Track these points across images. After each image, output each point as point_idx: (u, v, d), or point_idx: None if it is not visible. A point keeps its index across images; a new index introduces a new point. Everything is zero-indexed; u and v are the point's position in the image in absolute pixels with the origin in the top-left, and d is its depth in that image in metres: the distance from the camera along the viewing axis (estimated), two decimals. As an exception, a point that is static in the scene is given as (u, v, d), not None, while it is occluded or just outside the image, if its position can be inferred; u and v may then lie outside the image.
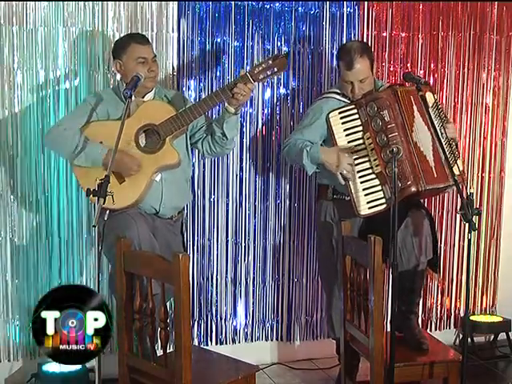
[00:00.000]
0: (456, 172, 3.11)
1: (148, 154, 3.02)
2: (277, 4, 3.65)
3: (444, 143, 3.09)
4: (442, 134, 3.10)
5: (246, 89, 2.99)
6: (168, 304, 2.75)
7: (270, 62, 3.04)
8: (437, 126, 3.10)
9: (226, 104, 3.08)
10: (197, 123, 3.23)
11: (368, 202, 3.13)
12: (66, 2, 3.37)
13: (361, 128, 3.19)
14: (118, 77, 3.24)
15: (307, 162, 3.21)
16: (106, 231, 2.56)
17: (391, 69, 3.85)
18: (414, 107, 3.16)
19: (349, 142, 3.19)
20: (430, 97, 3.20)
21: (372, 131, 3.16)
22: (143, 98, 3.12)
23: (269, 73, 3.04)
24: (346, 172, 3.14)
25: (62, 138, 3.01)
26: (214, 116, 3.55)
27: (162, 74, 3.49)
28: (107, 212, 2.59)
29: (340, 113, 3.22)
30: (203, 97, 3.50)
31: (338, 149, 3.19)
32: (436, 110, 3.16)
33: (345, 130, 3.21)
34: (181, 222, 3.31)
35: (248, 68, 3.42)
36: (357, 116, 3.20)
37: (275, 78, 3.44)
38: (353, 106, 3.22)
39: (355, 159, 3.16)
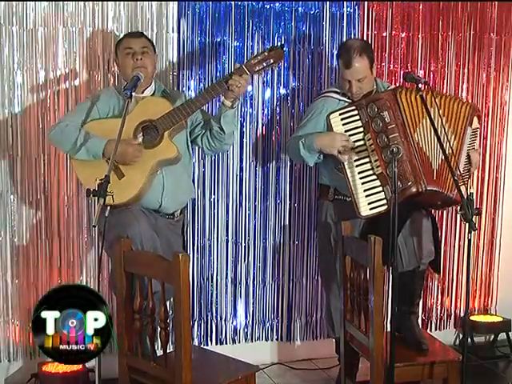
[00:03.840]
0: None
1: (146, 149, 3.02)
2: (277, 4, 3.65)
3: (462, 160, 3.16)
4: (466, 152, 3.21)
5: (242, 80, 3.01)
6: (168, 304, 2.75)
7: (266, 53, 3.06)
8: (466, 144, 3.19)
9: (223, 98, 3.10)
10: (196, 119, 3.24)
11: (369, 203, 3.12)
12: (65, 2, 3.37)
13: (362, 129, 3.18)
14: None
15: (305, 152, 3.22)
16: (106, 228, 2.56)
17: (391, 69, 3.85)
18: (424, 109, 3.13)
19: None
20: (475, 122, 3.27)
21: (373, 132, 3.15)
22: (142, 93, 3.14)
23: (265, 64, 3.06)
24: (343, 150, 3.13)
25: (63, 134, 3.03)
26: (212, 112, 3.56)
27: (162, 74, 3.49)
28: (108, 208, 2.59)
29: (341, 114, 3.22)
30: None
31: (331, 132, 3.19)
32: (473, 134, 3.26)
33: (346, 131, 3.20)
34: (182, 223, 3.31)
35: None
36: (357, 117, 3.20)
37: (271, 70, 3.44)
38: (353, 107, 3.21)
39: (356, 160, 3.16)
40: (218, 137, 3.18)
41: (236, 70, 3.04)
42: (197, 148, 3.46)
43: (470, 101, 3.86)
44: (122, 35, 3.31)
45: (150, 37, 3.35)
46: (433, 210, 3.40)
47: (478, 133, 3.40)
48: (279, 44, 3.61)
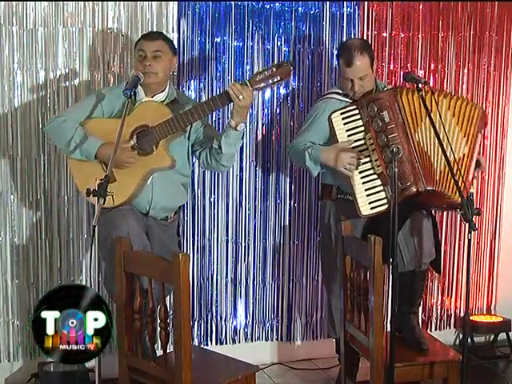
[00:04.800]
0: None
1: (141, 155, 3.01)
2: (277, 4, 3.65)
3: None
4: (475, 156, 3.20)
5: (244, 92, 2.90)
6: (168, 304, 2.75)
7: (274, 69, 2.95)
8: (476, 150, 3.19)
9: (230, 119, 3.02)
10: (200, 134, 3.21)
11: (370, 203, 3.13)
12: (65, 2, 3.37)
13: (362, 128, 3.19)
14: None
15: (310, 163, 3.22)
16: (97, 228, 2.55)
17: (391, 69, 3.85)
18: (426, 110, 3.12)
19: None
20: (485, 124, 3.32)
21: (373, 131, 3.16)
22: (153, 97, 3.12)
23: (270, 81, 2.95)
24: (349, 166, 3.13)
25: (60, 129, 3.03)
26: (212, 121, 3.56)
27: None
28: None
29: (342, 113, 3.22)
30: (203, 97, 3.52)
31: (337, 146, 3.18)
32: (481, 139, 3.27)
33: (347, 131, 3.20)
34: (177, 223, 3.30)
35: (250, 74, 3.42)
36: (358, 116, 3.20)
37: (277, 86, 3.41)
38: (354, 107, 3.22)
39: (359, 152, 3.16)
40: (215, 155, 3.09)
41: (239, 84, 2.94)
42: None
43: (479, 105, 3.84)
44: (122, 34, 3.33)
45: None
46: (433, 210, 3.40)
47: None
48: (288, 60, 3.58)
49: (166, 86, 3.16)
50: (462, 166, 3.12)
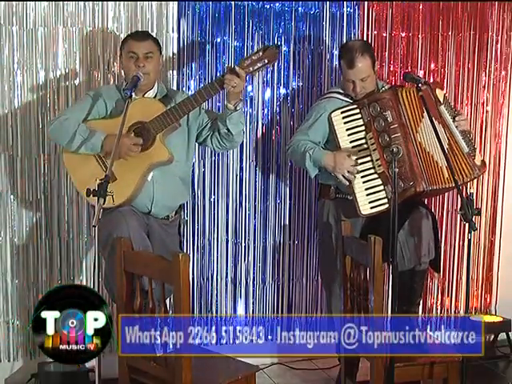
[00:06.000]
0: (478, 163, 3.13)
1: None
2: (277, 4, 3.65)
3: (455, 140, 3.14)
4: (455, 128, 3.16)
5: (236, 79, 2.98)
6: (168, 304, 2.75)
7: (261, 53, 3.03)
8: (450, 122, 3.14)
9: (226, 101, 3.09)
10: (202, 121, 3.23)
11: (370, 202, 3.13)
12: (65, 2, 3.37)
13: (363, 128, 3.19)
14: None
15: (310, 164, 3.22)
16: (98, 228, 2.55)
17: (391, 69, 3.85)
18: (423, 108, 3.13)
19: (351, 142, 3.19)
20: (439, 93, 3.22)
21: (374, 131, 3.16)
22: (144, 95, 3.13)
23: (259, 64, 3.03)
24: (348, 174, 3.14)
25: (63, 126, 3.03)
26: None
27: (162, 74, 3.48)
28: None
29: (342, 112, 3.22)
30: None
31: (339, 152, 3.18)
32: (447, 106, 3.20)
33: (347, 130, 3.21)
34: (178, 223, 3.31)
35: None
36: (359, 116, 3.20)
37: (271, 69, 3.43)
38: (355, 106, 3.22)
39: (357, 159, 3.16)
40: (226, 137, 3.17)
41: (229, 71, 3.02)
42: (197, 148, 3.46)
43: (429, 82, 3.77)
44: (122, 34, 3.33)
45: (150, 37, 3.35)
46: (433, 209, 3.41)
47: (448, 97, 3.35)
48: (274, 43, 3.61)
49: (154, 84, 3.17)
50: (454, 148, 3.14)
